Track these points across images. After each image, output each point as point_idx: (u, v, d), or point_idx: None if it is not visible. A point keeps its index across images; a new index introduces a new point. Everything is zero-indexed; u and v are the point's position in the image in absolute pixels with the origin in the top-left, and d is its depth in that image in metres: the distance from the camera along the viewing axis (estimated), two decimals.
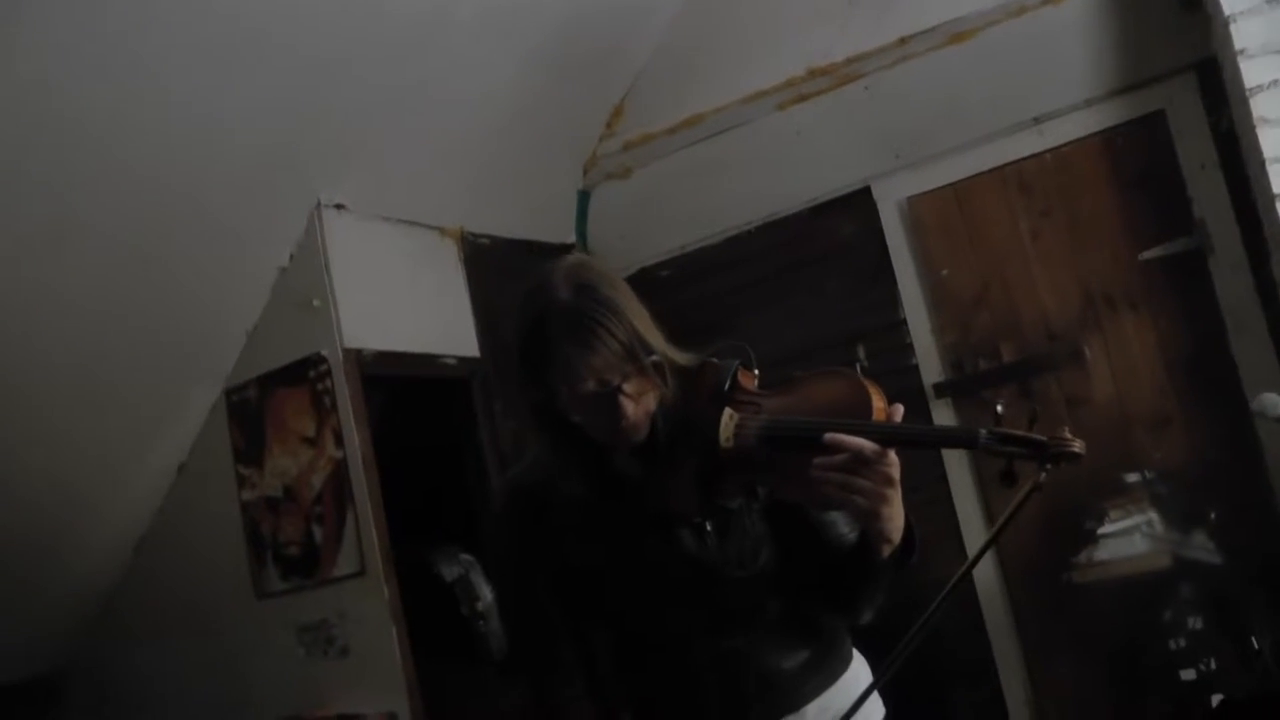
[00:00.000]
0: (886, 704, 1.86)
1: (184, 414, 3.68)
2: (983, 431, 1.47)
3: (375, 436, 3.55)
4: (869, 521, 1.55)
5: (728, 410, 1.61)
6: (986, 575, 3.92)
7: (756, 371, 1.70)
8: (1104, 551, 3.30)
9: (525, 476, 1.84)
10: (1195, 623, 3.17)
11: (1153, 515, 3.35)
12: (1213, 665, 3.17)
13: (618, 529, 1.74)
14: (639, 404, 1.63)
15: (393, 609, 3.40)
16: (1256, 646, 3.16)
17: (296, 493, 3.56)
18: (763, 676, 1.74)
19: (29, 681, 3.89)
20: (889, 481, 1.50)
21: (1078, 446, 1.44)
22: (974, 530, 3.93)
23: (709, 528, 1.71)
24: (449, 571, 3.89)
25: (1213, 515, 3.38)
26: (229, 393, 3.68)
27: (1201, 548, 3.22)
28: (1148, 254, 3.73)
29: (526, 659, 1.88)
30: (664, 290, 4.51)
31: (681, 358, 1.69)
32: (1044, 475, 1.45)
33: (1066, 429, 1.44)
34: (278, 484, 3.60)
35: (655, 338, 1.65)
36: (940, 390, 3.99)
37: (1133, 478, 3.62)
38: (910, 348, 4.08)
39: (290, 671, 3.54)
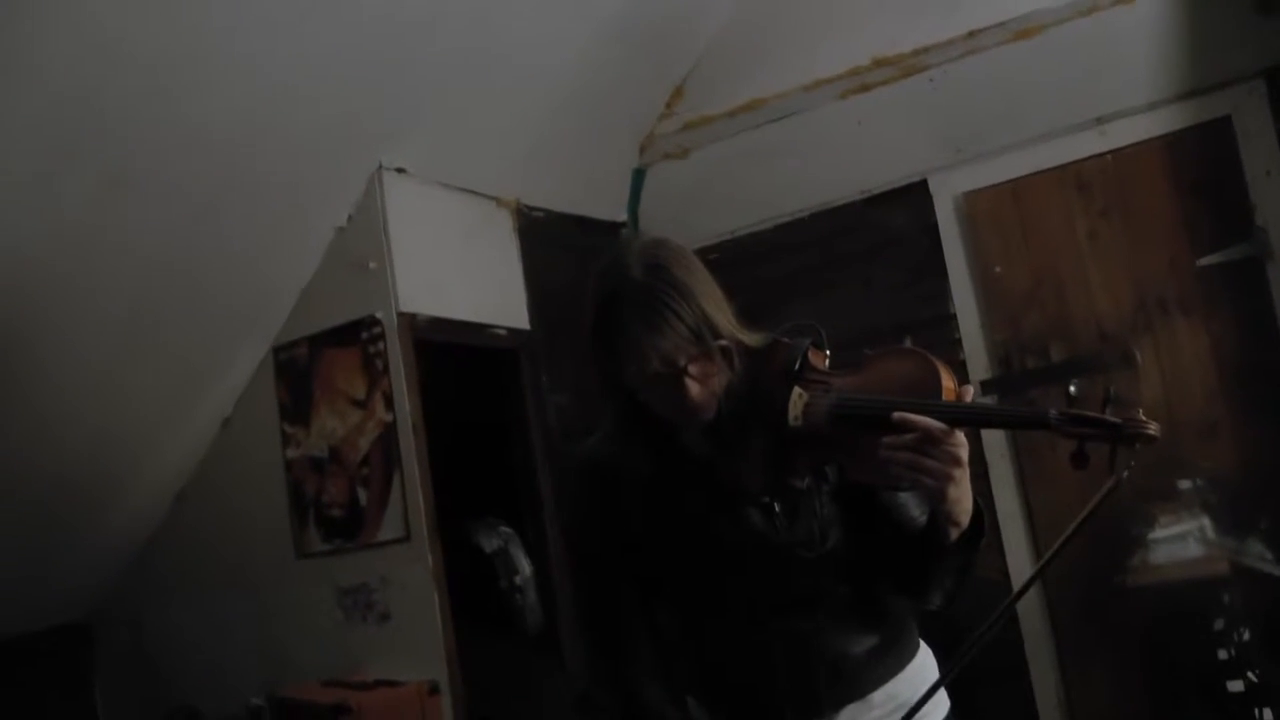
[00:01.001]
0: None
1: (231, 368, 3.69)
2: (1053, 412, 1.45)
3: (424, 402, 3.55)
4: (937, 502, 1.53)
5: (796, 389, 1.60)
6: (1024, 574, 3.90)
7: (828, 351, 1.68)
8: (1157, 555, 3.28)
9: (598, 449, 1.83)
10: (1244, 633, 3.15)
11: (1205, 521, 3.32)
12: (1260, 678, 3.15)
13: (686, 507, 1.72)
14: (705, 386, 1.62)
15: (436, 577, 3.40)
16: None
17: (342, 454, 3.56)
18: (830, 661, 1.72)
19: (63, 626, 3.90)
20: (957, 461, 1.48)
21: (1153, 429, 1.41)
22: (1014, 526, 3.92)
23: (778, 508, 1.69)
24: (489, 543, 3.89)
25: (1263, 524, 3.36)
26: (277, 350, 3.69)
27: (1258, 556, 3.20)
28: (1206, 259, 3.71)
29: (597, 633, 1.87)
30: (714, 273, 4.48)
31: (751, 338, 1.68)
32: (1126, 473, 1.42)
33: (1140, 410, 1.41)
34: (323, 444, 3.60)
35: (725, 319, 1.63)
36: (987, 387, 3.97)
37: (1183, 484, 3.60)
38: (959, 343, 4.06)
39: (328, 634, 3.55)
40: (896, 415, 1.48)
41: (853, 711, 1.73)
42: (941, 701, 1.82)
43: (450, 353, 3.81)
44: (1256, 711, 3.09)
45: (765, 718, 1.75)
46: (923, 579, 1.69)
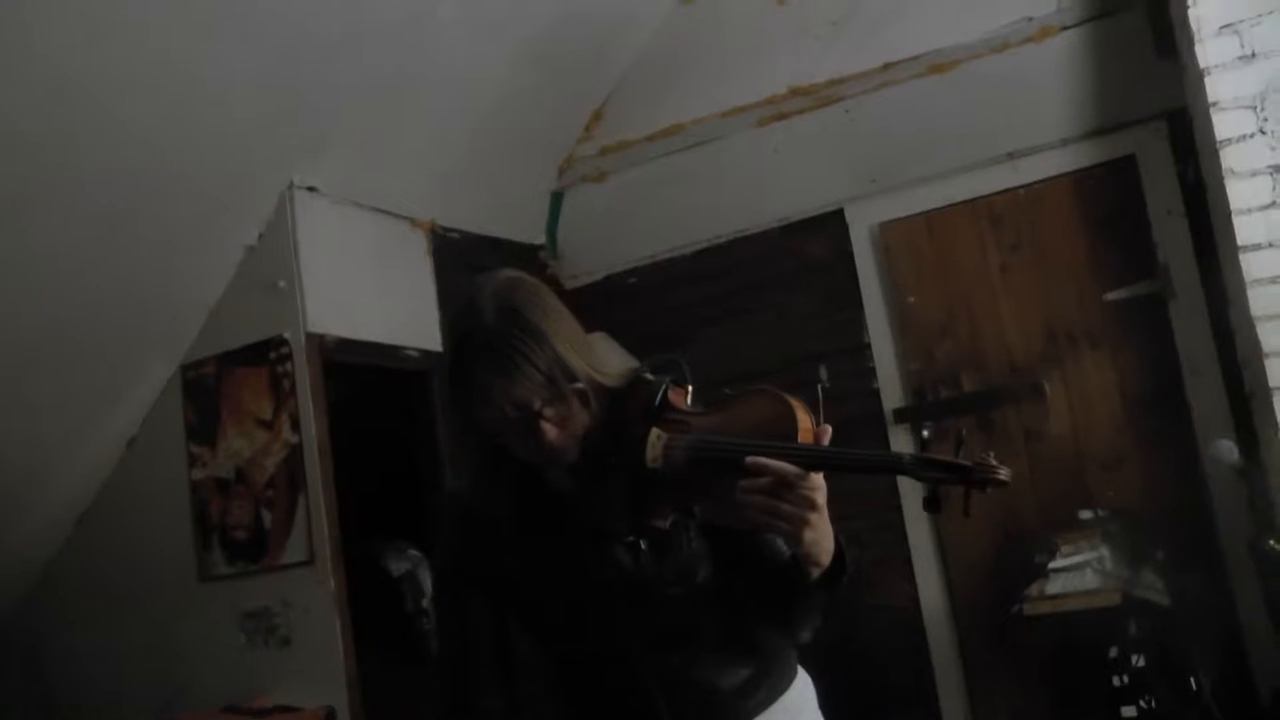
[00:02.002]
0: None
1: (138, 387, 3.63)
2: (907, 456, 1.45)
3: (331, 424, 3.51)
4: (793, 545, 1.53)
5: (655, 430, 1.58)
6: (934, 601, 3.96)
7: (690, 388, 1.65)
8: (1054, 585, 3.33)
9: (463, 489, 1.81)
10: (1138, 660, 3.20)
11: (1104, 551, 3.38)
12: (1154, 704, 3.20)
13: (552, 546, 1.70)
14: (562, 429, 1.60)
15: (338, 601, 3.36)
16: (1196, 687, 3.20)
17: (248, 475, 3.51)
18: (703, 694, 1.71)
19: None
20: (811, 505, 1.46)
21: (1004, 474, 1.41)
22: (925, 557, 3.97)
23: (644, 545, 1.67)
24: (396, 566, 3.85)
25: (1160, 555, 3.43)
26: (185, 368, 3.63)
27: (1150, 587, 3.26)
28: (1112, 294, 3.79)
29: (452, 668, 1.85)
30: (631, 298, 4.51)
31: (610, 378, 1.65)
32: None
33: (992, 455, 1.42)
34: (229, 465, 3.54)
35: (580, 361, 1.60)
36: (900, 415, 4.02)
37: (1085, 514, 3.66)
38: (873, 372, 4.11)
39: (230, 658, 3.48)
40: (749, 460, 1.48)
41: None
42: None
43: (362, 373, 3.78)
44: None
45: None
46: (789, 615, 1.69)
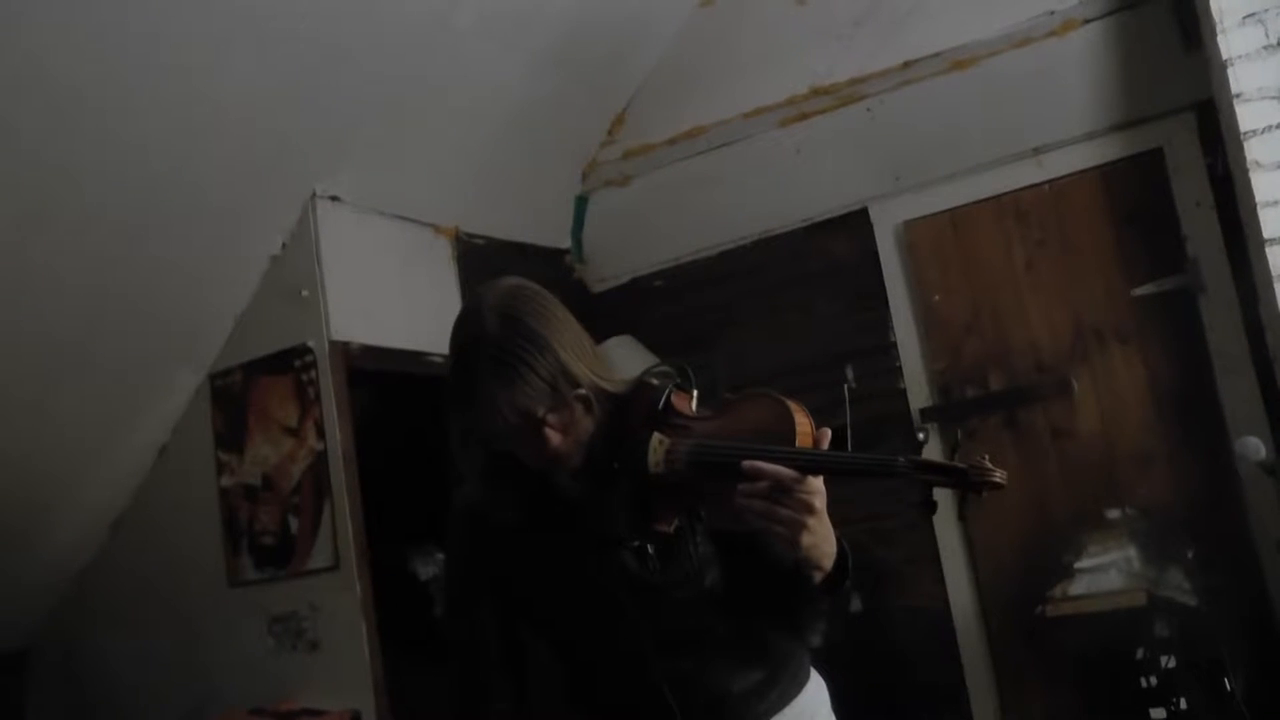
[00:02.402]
0: None
1: (168, 396, 3.68)
2: (902, 459, 1.45)
3: (359, 431, 3.54)
4: (791, 550, 1.52)
5: (657, 435, 1.59)
6: (963, 602, 3.92)
7: (695, 393, 1.67)
8: (1080, 585, 3.30)
9: (469, 495, 1.83)
10: (1168, 661, 3.16)
11: (1131, 552, 3.34)
12: (1184, 705, 3.16)
13: (558, 551, 1.72)
14: (566, 435, 1.62)
15: (364, 606, 3.38)
16: (1229, 689, 3.15)
17: (275, 482, 3.55)
18: (713, 698, 1.72)
19: (1, 653, 3.87)
20: (809, 509, 1.47)
21: (999, 476, 1.41)
22: (954, 557, 3.93)
23: (650, 550, 1.69)
24: (424, 570, 3.88)
25: (1190, 554, 3.38)
26: (213, 377, 3.68)
27: (1177, 587, 3.21)
28: (1140, 290, 3.74)
29: (463, 673, 1.86)
30: (656, 301, 4.52)
31: (613, 384, 1.67)
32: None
33: (987, 457, 1.42)
34: (257, 472, 3.59)
35: (583, 367, 1.62)
36: (927, 415, 3.99)
37: (1113, 513, 3.62)
38: (899, 371, 4.08)
39: (259, 661, 3.52)
40: (746, 464, 1.48)
41: None
42: None
43: (389, 380, 3.81)
44: None
45: None
46: (796, 619, 1.69)
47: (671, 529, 1.65)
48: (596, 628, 1.76)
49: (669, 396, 1.63)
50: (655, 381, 1.68)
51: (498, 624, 1.80)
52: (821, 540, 1.52)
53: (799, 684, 1.82)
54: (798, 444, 1.52)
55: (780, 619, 1.73)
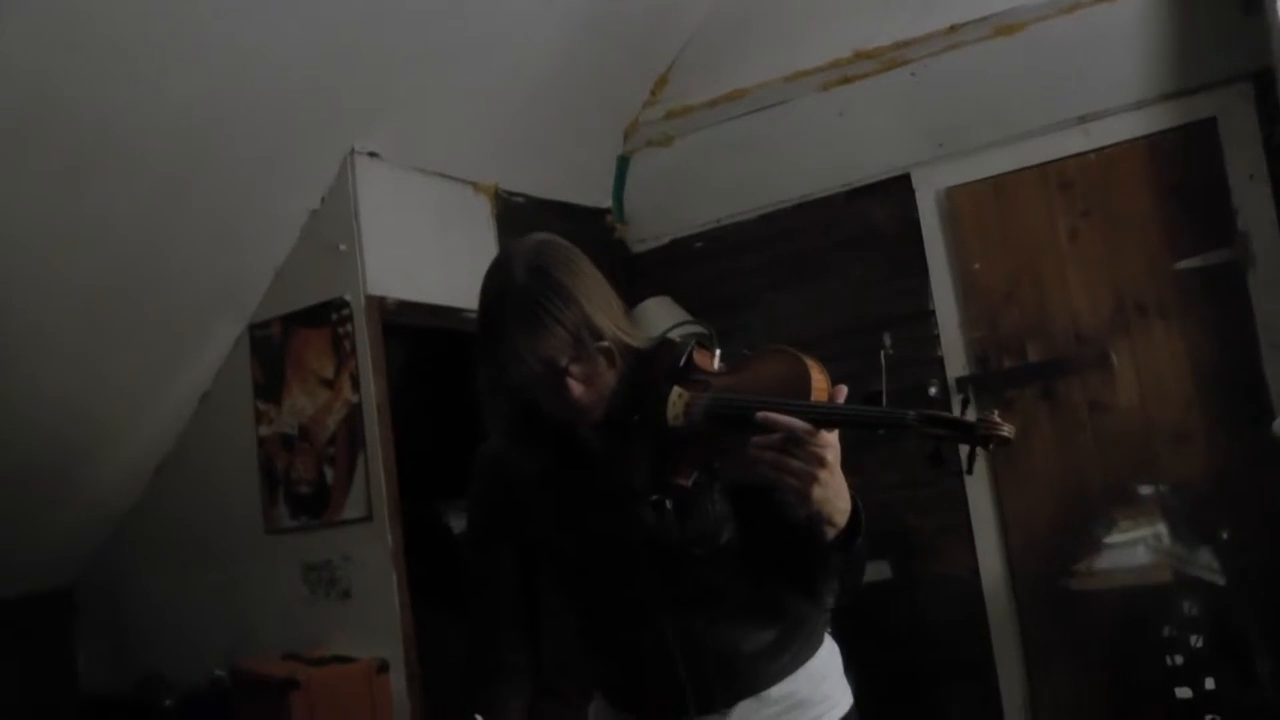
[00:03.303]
0: (873, 692, 1.86)
1: (209, 345, 3.77)
2: (911, 413, 1.45)
3: (393, 384, 3.59)
4: (803, 502, 1.53)
5: (677, 388, 1.61)
6: (993, 572, 3.91)
7: (718, 351, 1.69)
8: (1106, 561, 3.26)
9: (494, 446, 1.86)
10: (1196, 641, 3.13)
11: (1161, 528, 3.30)
12: (1210, 685, 3.13)
13: (579, 504, 1.75)
14: (589, 387, 1.64)
15: (395, 557, 3.45)
16: (1257, 671, 3.12)
17: (311, 432, 3.62)
18: (724, 658, 1.74)
19: (50, 592, 4.02)
20: (820, 462, 1.48)
21: (1006, 430, 1.41)
22: (985, 526, 3.92)
23: (668, 505, 1.70)
24: (456, 524, 3.93)
25: (1224, 534, 3.33)
26: (253, 328, 3.75)
27: (1206, 566, 3.17)
28: (1185, 263, 3.67)
29: (477, 621, 1.89)
30: (696, 262, 4.51)
31: (637, 340, 1.70)
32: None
33: (996, 413, 1.43)
34: (294, 422, 3.66)
35: (608, 321, 1.64)
36: (963, 385, 3.96)
37: (1146, 489, 3.57)
38: (936, 339, 4.05)
39: (292, 608, 3.62)
40: (760, 415, 1.50)
41: (747, 708, 1.75)
42: (841, 699, 1.84)
43: (424, 335, 3.85)
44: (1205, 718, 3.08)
45: (659, 711, 1.77)
46: (809, 577, 1.70)
47: (689, 483, 1.65)
48: (611, 581, 1.78)
49: (691, 353, 1.66)
50: (678, 339, 1.71)
51: (515, 571, 1.83)
52: (834, 495, 1.53)
53: (811, 648, 1.82)
54: (813, 399, 1.53)
55: (794, 578, 1.73)
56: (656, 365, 1.66)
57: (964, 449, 1.45)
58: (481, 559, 1.87)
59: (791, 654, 1.79)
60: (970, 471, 1.45)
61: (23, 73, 2.65)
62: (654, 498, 1.69)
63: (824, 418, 1.49)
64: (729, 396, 1.58)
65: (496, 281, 1.65)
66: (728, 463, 1.61)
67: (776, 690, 1.76)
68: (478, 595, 1.88)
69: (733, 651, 1.74)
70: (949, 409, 1.49)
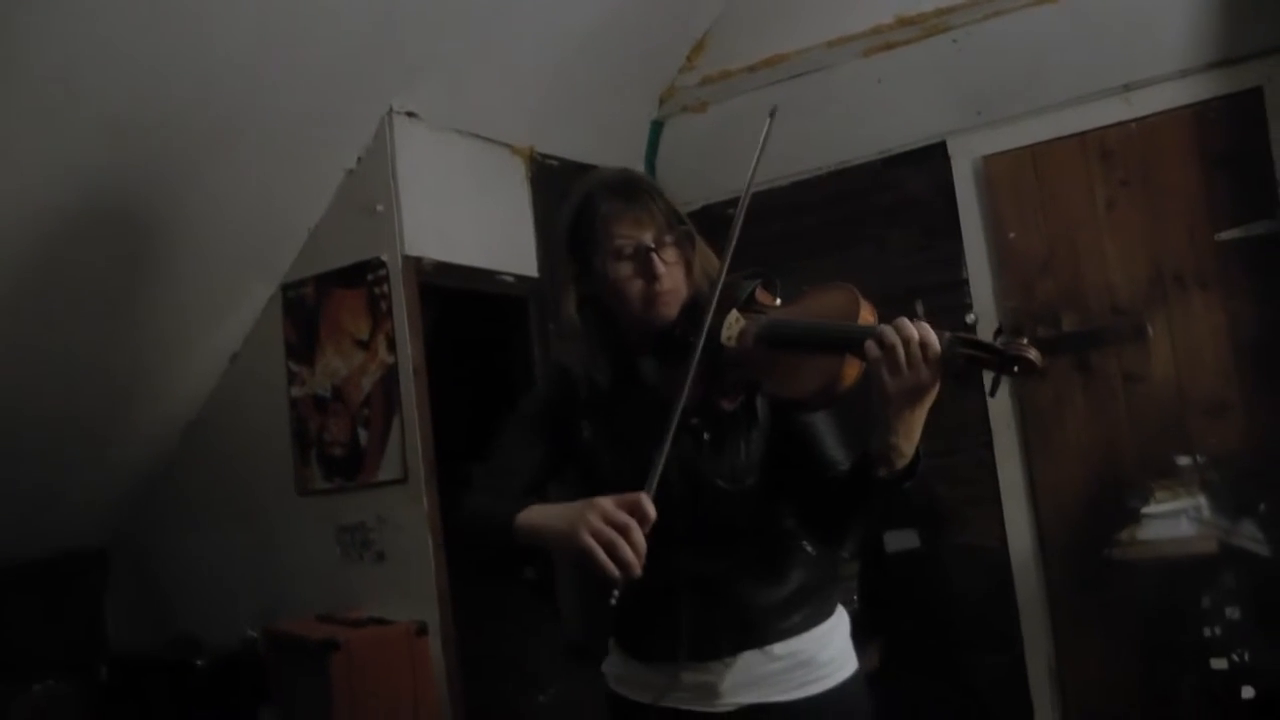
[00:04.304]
0: (899, 659, 1.88)
1: (240, 304, 3.75)
2: (946, 334, 1.51)
3: (429, 346, 3.57)
4: (889, 425, 1.53)
5: (735, 312, 1.70)
6: (1022, 542, 3.90)
7: (779, 290, 1.78)
8: (1147, 531, 3.26)
9: (566, 358, 1.90)
10: (1233, 613, 3.13)
11: (1201, 500, 3.29)
12: (1246, 658, 3.13)
13: (625, 428, 1.78)
14: (671, 275, 1.73)
15: (431, 519, 3.44)
16: None
17: (345, 394, 3.60)
18: (735, 607, 1.77)
19: (82, 552, 4.01)
20: (927, 382, 1.50)
21: (1033, 354, 1.46)
22: (1015, 496, 3.91)
23: (706, 436, 1.75)
24: None
25: (1262, 506, 3.32)
26: (285, 288, 3.73)
27: (1249, 537, 3.17)
28: (1225, 234, 3.64)
29: (487, 479, 1.82)
30: (728, 228, 4.46)
31: (710, 263, 1.81)
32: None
33: (1026, 339, 1.47)
34: (327, 383, 3.65)
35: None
36: None
37: (1184, 460, 3.56)
38: (970, 308, 4.03)
39: (327, 570, 3.62)
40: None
41: (751, 659, 1.78)
42: (846, 663, 1.85)
43: (459, 297, 3.83)
44: (1240, 690, 3.08)
45: (663, 650, 1.79)
46: (839, 521, 1.74)
47: (734, 406, 1.73)
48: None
49: (754, 289, 1.74)
50: (743, 277, 1.78)
51: (537, 467, 1.82)
52: (915, 428, 1.55)
53: (823, 614, 1.85)
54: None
55: (819, 523, 1.78)
56: (721, 294, 1.72)
57: (989, 375, 1.51)
58: (515, 435, 1.86)
59: (803, 615, 1.82)
60: (993, 394, 1.53)
61: (67, 26, 2.61)
62: (694, 421, 1.73)
63: (867, 335, 1.54)
64: (781, 320, 1.67)
65: (586, 185, 1.81)
66: (777, 383, 1.67)
67: (781, 647, 1.79)
68: (498, 458, 1.84)
69: (747, 601, 1.78)
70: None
